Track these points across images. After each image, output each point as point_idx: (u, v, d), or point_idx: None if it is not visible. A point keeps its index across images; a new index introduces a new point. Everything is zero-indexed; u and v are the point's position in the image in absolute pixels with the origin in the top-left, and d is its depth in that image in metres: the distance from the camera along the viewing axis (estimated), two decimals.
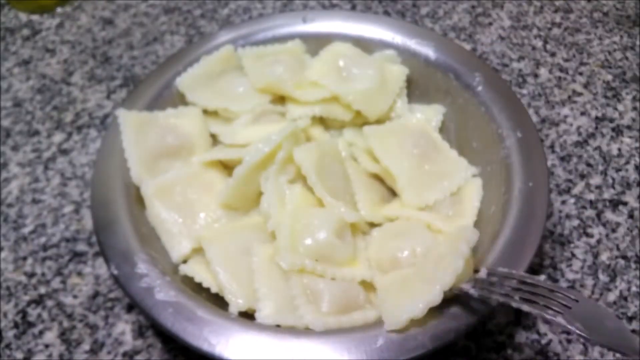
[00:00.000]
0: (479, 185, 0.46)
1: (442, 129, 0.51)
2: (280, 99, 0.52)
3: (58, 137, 0.59)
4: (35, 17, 0.72)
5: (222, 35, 0.54)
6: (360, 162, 0.48)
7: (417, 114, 0.52)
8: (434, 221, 0.43)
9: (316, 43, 0.54)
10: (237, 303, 0.40)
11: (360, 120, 0.51)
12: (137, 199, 0.45)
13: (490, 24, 0.69)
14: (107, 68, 0.66)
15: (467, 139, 0.49)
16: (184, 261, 0.44)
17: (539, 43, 0.66)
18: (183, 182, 0.46)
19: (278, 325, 0.38)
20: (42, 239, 0.52)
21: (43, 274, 0.49)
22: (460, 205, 0.45)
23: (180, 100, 0.51)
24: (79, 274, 0.49)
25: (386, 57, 0.53)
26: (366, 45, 0.54)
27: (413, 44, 0.53)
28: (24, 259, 0.50)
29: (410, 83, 0.53)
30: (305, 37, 0.54)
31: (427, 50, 0.52)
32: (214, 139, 0.50)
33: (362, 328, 0.37)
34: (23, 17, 0.72)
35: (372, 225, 0.45)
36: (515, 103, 0.48)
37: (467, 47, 0.65)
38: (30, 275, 0.49)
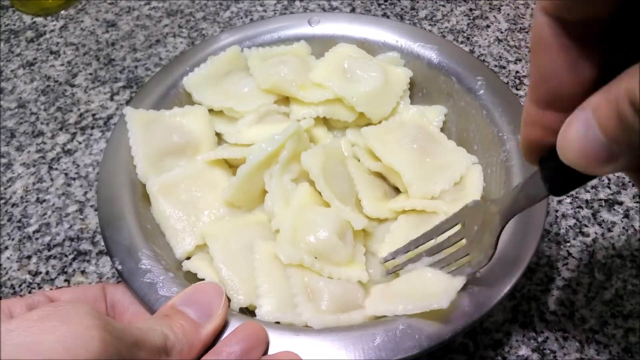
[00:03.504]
0: (479, 172, 0.47)
1: (444, 131, 0.51)
2: (285, 100, 0.52)
3: (62, 137, 0.60)
4: (39, 20, 0.72)
5: (228, 37, 0.54)
6: (362, 161, 0.49)
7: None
8: (442, 207, 0.44)
9: (321, 45, 0.54)
10: (238, 299, 0.40)
11: (363, 121, 0.51)
12: (142, 196, 0.45)
13: (488, 26, 0.69)
14: (111, 70, 0.66)
15: (468, 142, 0.50)
16: (188, 257, 0.44)
17: None
18: (188, 179, 0.46)
19: (277, 322, 0.38)
20: (47, 238, 0.52)
21: (47, 273, 0.50)
22: (464, 191, 0.45)
23: (186, 99, 0.52)
24: (83, 272, 0.50)
25: (390, 60, 0.53)
26: (370, 48, 0.54)
27: (416, 46, 0.53)
28: (29, 257, 0.51)
29: (413, 85, 0.53)
30: (311, 39, 0.55)
31: (431, 53, 0.52)
32: (219, 138, 0.51)
33: (360, 326, 0.37)
34: (27, 19, 0.72)
35: (379, 221, 0.46)
36: (516, 107, 0.48)
37: (465, 49, 0.66)
38: (35, 274, 0.50)
